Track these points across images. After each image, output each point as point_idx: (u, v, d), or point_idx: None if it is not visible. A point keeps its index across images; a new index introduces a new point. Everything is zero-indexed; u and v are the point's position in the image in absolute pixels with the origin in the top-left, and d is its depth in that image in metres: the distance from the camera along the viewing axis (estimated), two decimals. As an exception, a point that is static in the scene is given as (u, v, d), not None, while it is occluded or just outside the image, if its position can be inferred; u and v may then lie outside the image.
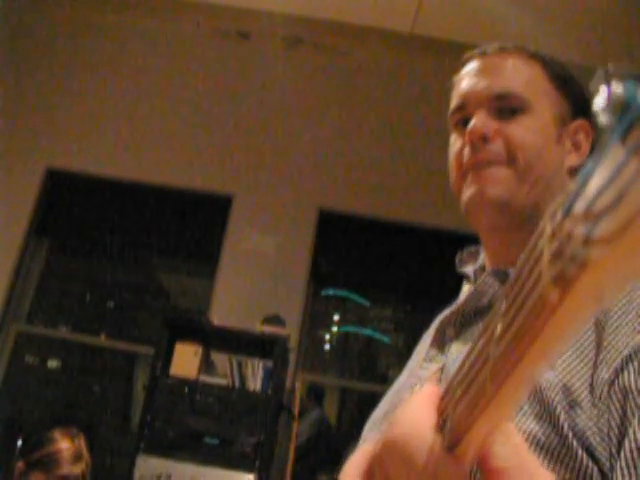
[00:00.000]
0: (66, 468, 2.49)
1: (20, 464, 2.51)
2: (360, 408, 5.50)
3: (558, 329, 0.29)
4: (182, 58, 5.29)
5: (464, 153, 0.99)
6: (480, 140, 0.96)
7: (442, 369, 0.97)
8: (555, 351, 0.30)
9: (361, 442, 1.08)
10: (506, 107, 0.98)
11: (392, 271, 4.94)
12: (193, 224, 4.92)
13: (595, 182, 0.28)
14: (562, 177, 0.99)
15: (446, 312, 1.14)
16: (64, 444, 2.54)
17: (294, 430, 4.09)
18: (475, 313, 0.99)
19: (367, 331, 5.48)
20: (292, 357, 4.29)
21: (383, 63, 5.21)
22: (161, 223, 4.92)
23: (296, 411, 4.12)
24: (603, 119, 0.29)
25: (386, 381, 5.34)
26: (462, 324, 1.01)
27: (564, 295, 0.28)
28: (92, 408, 5.11)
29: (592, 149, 1.03)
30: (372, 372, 5.51)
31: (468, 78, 1.03)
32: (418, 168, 4.93)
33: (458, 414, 0.38)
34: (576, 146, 1.01)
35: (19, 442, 2.72)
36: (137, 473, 3.48)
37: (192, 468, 3.51)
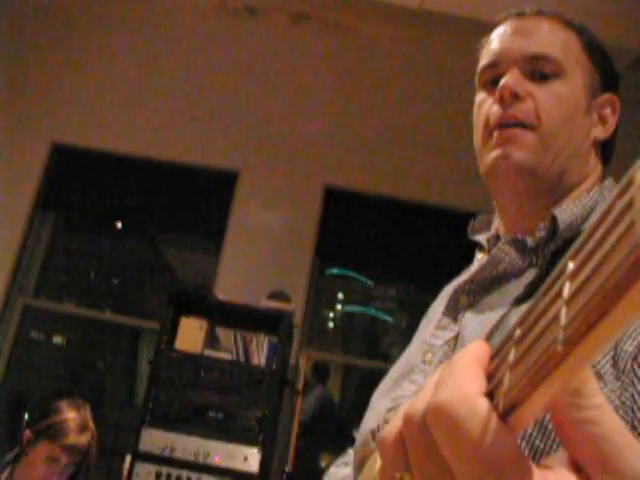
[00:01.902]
0: (72, 438, 2.51)
1: (27, 433, 2.53)
2: (363, 386, 5.51)
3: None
4: (188, 33, 5.23)
5: (492, 111, 0.96)
6: (511, 97, 0.94)
7: (456, 337, 0.96)
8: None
9: (369, 410, 1.07)
10: (539, 70, 0.96)
11: (396, 250, 4.92)
12: (199, 200, 4.90)
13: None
14: (587, 149, 0.98)
15: (458, 280, 1.12)
16: (70, 414, 2.56)
17: (298, 405, 4.10)
18: (490, 281, 0.97)
19: (371, 311, 5.47)
20: (297, 333, 4.29)
21: (391, 39, 5.15)
22: (167, 199, 4.90)
23: (300, 386, 4.12)
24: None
25: (389, 359, 5.35)
26: (476, 292, 0.99)
27: None
28: (97, 382, 5.13)
29: (616, 126, 1.02)
30: (375, 351, 5.51)
31: (503, 37, 1.00)
32: (425, 146, 4.89)
33: (514, 379, 0.35)
34: (603, 120, 1.00)
35: (26, 415, 2.73)
36: (141, 446, 3.49)
37: (196, 441, 3.52)
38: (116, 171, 4.97)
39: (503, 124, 0.94)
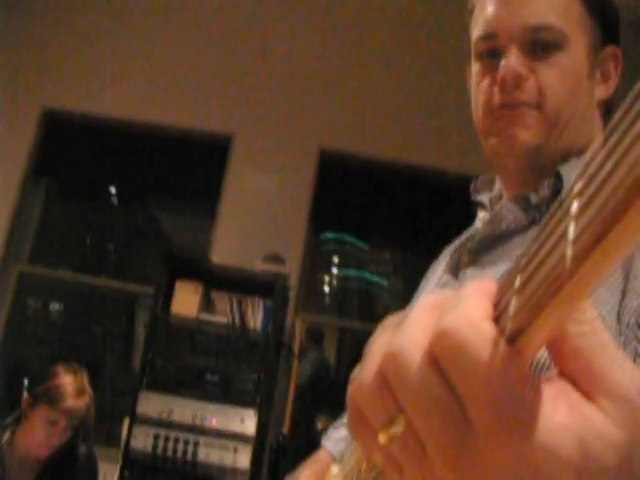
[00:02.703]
0: (70, 402, 2.53)
1: (26, 397, 2.57)
2: (359, 349, 5.53)
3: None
4: (180, -4, 5.16)
5: (493, 90, 0.93)
6: (514, 80, 0.91)
7: None
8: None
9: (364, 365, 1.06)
10: (541, 41, 0.92)
11: (392, 213, 4.92)
12: (193, 165, 4.87)
13: None
14: (592, 112, 0.96)
15: (460, 239, 1.11)
16: (67, 379, 2.58)
17: (294, 368, 4.13)
18: (492, 239, 0.96)
19: (365, 274, 5.48)
20: (292, 296, 4.29)
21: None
22: (161, 164, 4.88)
23: (296, 349, 4.15)
24: None
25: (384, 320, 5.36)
26: (478, 250, 0.98)
27: None
28: (94, 348, 5.15)
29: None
30: (370, 315, 5.53)
31: (497, 4, 0.95)
32: (423, 109, 4.85)
33: (521, 302, 0.34)
34: (605, 77, 0.98)
35: (25, 380, 2.77)
36: (139, 410, 3.52)
37: (193, 404, 3.55)
38: (109, 137, 4.93)
39: (507, 105, 0.92)
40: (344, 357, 5.57)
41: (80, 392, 2.58)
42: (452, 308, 0.37)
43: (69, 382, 2.57)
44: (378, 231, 5.14)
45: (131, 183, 4.96)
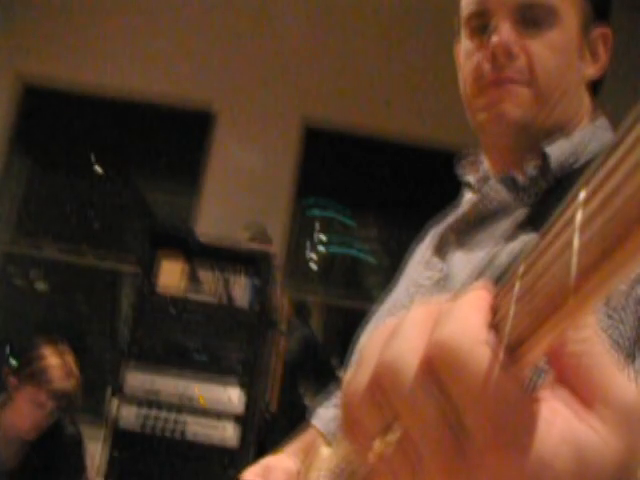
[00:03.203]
0: (57, 383, 2.55)
1: (12, 380, 2.57)
2: (345, 325, 5.56)
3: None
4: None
5: (483, 67, 0.92)
6: (504, 56, 0.90)
7: (445, 276, 0.95)
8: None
9: (356, 352, 1.06)
10: (532, 17, 0.91)
11: (378, 188, 4.92)
12: (176, 137, 4.84)
13: None
14: (581, 92, 0.96)
15: (446, 220, 1.11)
16: (53, 360, 2.60)
17: (281, 345, 4.14)
18: (480, 220, 0.96)
19: (352, 251, 5.49)
20: (278, 273, 4.29)
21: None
22: (143, 137, 4.84)
23: (283, 326, 4.15)
24: None
25: (371, 297, 5.39)
26: (466, 231, 0.98)
27: None
28: (80, 326, 5.14)
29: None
30: (357, 292, 5.54)
31: None
32: (408, 81, 4.83)
33: (521, 311, 0.33)
34: (595, 57, 0.97)
35: (10, 360, 2.78)
36: (126, 388, 3.52)
37: (180, 383, 3.56)
38: (92, 109, 4.89)
39: (497, 81, 0.91)
40: (331, 333, 5.59)
41: (67, 374, 2.59)
42: (450, 315, 0.36)
43: (56, 364, 2.58)
44: (363, 203, 5.15)
45: (114, 156, 4.94)
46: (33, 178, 5.00)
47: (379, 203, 4.99)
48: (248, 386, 3.59)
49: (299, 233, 5.01)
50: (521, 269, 0.35)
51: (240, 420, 3.52)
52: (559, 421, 0.34)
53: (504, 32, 0.90)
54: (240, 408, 3.53)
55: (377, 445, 0.39)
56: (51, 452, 2.67)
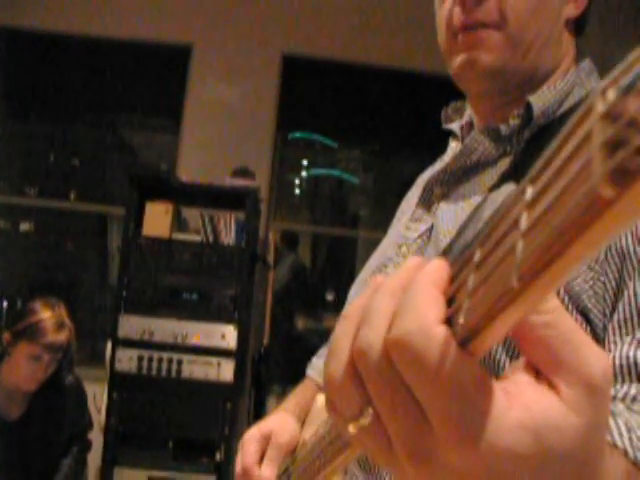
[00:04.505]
0: (51, 336, 2.57)
1: (6, 335, 2.60)
2: (333, 250, 5.61)
3: (607, 228, 0.26)
4: None
5: (454, 12, 0.90)
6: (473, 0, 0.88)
7: (430, 229, 0.96)
8: (599, 249, 0.27)
9: (347, 305, 1.08)
10: None
11: (359, 112, 4.90)
12: (153, 77, 4.75)
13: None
14: (559, 32, 0.93)
15: (432, 170, 1.11)
16: (45, 314, 2.61)
17: (270, 279, 4.18)
18: (464, 171, 0.97)
19: (336, 172, 5.48)
20: (263, 207, 4.30)
21: None
22: (120, 78, 4.75)
23: (271, 260, 4.18)
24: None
25: (357, 223, 5.43)
26: (450, 183, 0.98)
27: (622, 192, 0.24)
28: (69, 270, 5.15)
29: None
30: (343, 214, 5.56)
31: None
32: (384, 9, 4.72)
33: (473, 307, 0.35)
34: None
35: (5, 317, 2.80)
36: (121, 333, 3.57)
37: (173, 324, 3.60)
38: (66, 52, 4.77)
39: (467, 27, 0.89)
40: (319, 259, 5.64)
41: (60, 325, 2.61)
42: (406, 308, 0.38)
43: (48, 317, 2.60)
44: (346, 131, 5.13)
45: (93, 100, 4.84)
46: (11, 124, 4.94)
47: (359, 126, 4.98)
48: (240, 322, 3.65)
49: (282, 161, 5.01)
50: (476, 259, 0.37)
51: (234, 355, 3.58)
52: (516, 406, 0.35)
53: None
54: (233, 344, 3.59)
55: (351, 429, 0.42)
56: (52, 402, 2.72)
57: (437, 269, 0.39)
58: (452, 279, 0.39)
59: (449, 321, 0.37)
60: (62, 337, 2.61)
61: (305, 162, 5.48)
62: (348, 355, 0.41)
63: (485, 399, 0.35)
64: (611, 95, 0.26)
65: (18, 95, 4.89)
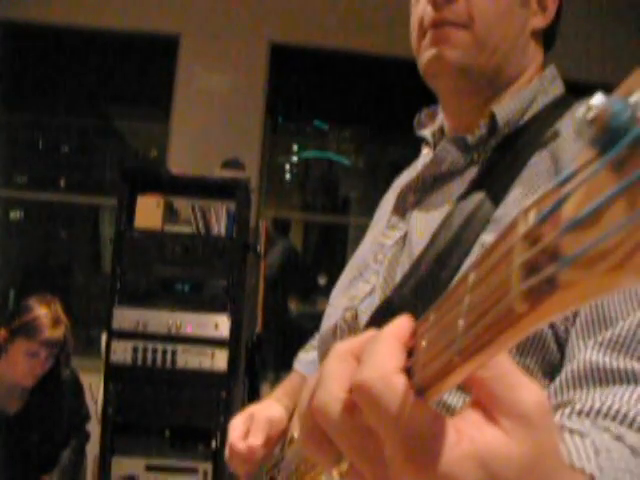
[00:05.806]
0: (47, 333, 2.61)
1: (2, 332, 2.62)
2: (324, 235, 5.63)
3: (518, 334, 0.32)
4: None
5: (426, 12, 0.95)
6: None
7: (404, 236, 1.00)
8: (525, 337, 0.33)
9: (328, 307, 1.13)
10: None
11: (349, 97, 4.93)
12: (141, 67, 4.74)
13: (576, 199, 0.28)
14: (525, 40, 0.97)
15: (407, 175, 1.16)
16: (41, 311, 2.64)
17: (261, 268, 4.22)
18: (435, 179, 1.01)
19: (327, 155, 5.49)
20: (254, 197, 4.32)
21: None
22: (109, 68, 4.74)
23: (262, 250, 4.22)
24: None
25: (349, 206, 5.46)
26: (422, 190, 1.02)
27: (532, 309, 0.29)
28: (62, 259, 5.16)
29: (559, 10, 1.00)
30: (334, 196, 5.58)
31: None
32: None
33: (428, 363, 0.40)
34: (542, 6, 0.98)
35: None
36: (115, 325, 3.60)
37: (167, 315, 3.64)
38: (56, 42, 4.76)
39: (436, 24, 0.94)
40: (310, 244, 5.66)
41: (56, 322, 2.65)
42: (370, 357, 0.44)
43: (44, 314, 2.63)
44: (335, 116, 5.16)
45: (83, 90, 4.84)
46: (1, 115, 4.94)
47: (351, 108, 5.02)
48: (232, 311, 3.69)
49: (273, 148, 5.03)
50: (429, 322, 0.43)
51: (227, 345, 3.64)
52: (465, 441, 0.40)
53: None
54: (227, 333, 3.64)
55: (335, 474, 0.49)
56: (50, 396, 2.76)
57: (401, 323, 0.45)
58: (414, 333, 0.45)
59: (410, 370, 0.42)
60: (58, 333, 2.65)
61: (295, 147, 5.49)
62: (311, 418, 0.47)
63: (437, 437, 0.40)
64: (531, 218, 0.30)
65: (7, 84, 4.88)
